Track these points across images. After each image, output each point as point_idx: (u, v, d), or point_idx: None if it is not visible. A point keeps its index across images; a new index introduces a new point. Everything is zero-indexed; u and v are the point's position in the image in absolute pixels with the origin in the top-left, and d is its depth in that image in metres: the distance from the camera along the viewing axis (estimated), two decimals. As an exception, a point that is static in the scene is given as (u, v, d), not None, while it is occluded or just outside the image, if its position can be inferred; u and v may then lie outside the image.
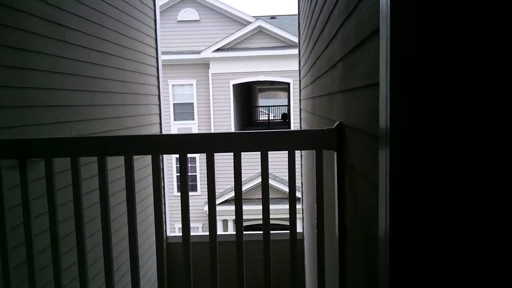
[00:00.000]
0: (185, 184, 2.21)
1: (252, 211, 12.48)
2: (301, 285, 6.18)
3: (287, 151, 2.15)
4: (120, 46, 4.87)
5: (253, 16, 16.91)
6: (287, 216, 2.31)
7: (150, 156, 2.27)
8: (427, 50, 0.90)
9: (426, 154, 0.93)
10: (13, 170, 2.44)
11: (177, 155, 2.24)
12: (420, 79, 0.92)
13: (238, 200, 2.19)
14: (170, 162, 13.62)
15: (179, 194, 2.40)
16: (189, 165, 16.13)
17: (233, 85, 16.44)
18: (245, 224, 14.01)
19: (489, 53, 0.87)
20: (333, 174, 2.17)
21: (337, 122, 2.04)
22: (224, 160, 14.58)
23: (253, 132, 2.19)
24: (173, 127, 16.30)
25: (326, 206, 2.36)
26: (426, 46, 0.90)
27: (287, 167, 2.21)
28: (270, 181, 14.10)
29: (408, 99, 0.95)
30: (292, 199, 2.19)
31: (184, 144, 2.23)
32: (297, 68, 7.14)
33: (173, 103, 16.51)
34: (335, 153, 2.08)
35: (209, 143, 2.21)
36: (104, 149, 2.26)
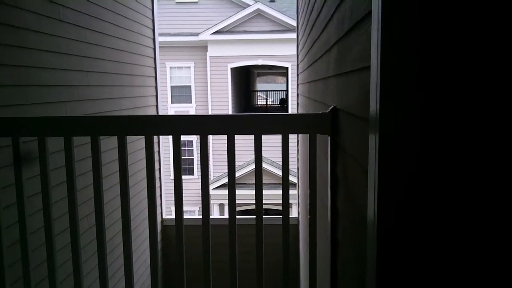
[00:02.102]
0: (179, 166, 2.21)
1: (249, 196, 12.51)
2: (294, 268, 6.24)
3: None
4: (116, 26, 4.82)
5: (252, -1, 16.72)
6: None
7: (144, 139, 2.26)
8: (419, 33, 0.89)
9: (415, 140, 0.93)
10: (5, 150, 2.43)
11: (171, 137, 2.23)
12: (411, 62, 0.91)
13: (231, 182, 2.19)
14: (167, 145, 13.60)
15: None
16: (186, 148, 16.12)
17: (231, 68, 16.35)
18: (242, 208, 14.10)
19: (484, 38, 0.86)
20: (327, 159, 2.16)
21: (331, 106, 2.04)
22: (221, 145, 14.58)
23: (247, 114, 2.19)
24: (170, 109, 16.25)
25: (320, 191, 2.36)
26: (418, 29, 0.89)
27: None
28: (267, 166, 14.13)
29: (398, 83, 0.94)
30: (285, 183, 2.19)
31: (177, 125, 2.22)
32: (295, 52, 7.09)
33: (171, 86, 16.43)
34: (329, 138, 2.07)
35: (203, 125, 2.20)
36: (97, 129, 2.25)
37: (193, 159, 16.25)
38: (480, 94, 0.87)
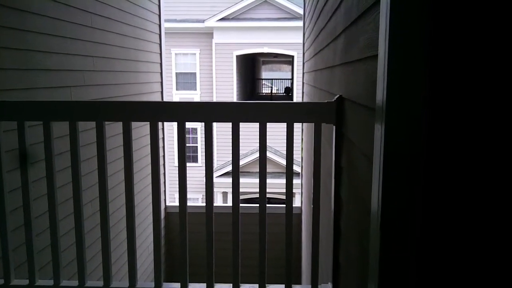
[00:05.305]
0: (183, 153, 2.21)
1: (253, 184, 12.50)
2: (296, 257, 6.26)
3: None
4: (122, 11, 4.80)
5: (259, -14, 16.57)
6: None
7: (149, 126, 2.25)
8: (428, 22, 0.88)
9: (422, 130, 0.92)
10: (11, 134, 2.43)
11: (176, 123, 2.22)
12: (420, 52, 0.90)
13: (235, 170, 2.19)
14: (171, 132, 13.62)
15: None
16: (190, 136, 16.13)
17: (237, 56, 16.26)
18: (245, 197, 14.11)
19: (493, 25, 0.85)
20: (332, 148, 2.16)
21: (337, 96, 2.02)
22: (225, 133, 14.57)
23: (252, 102, 2.18)
24: (175, 96, 16.21)
25: (323, 181, 2.36)
26: (427, 18, 0.88)
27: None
28: (271, 155, 14.11)
29: (406, 72, 0.93)
30: (289, 171, 2.18)
31: (182, 112, 2.22)
32: (301, 41, 7.04)
33: (176, 72, 16.38)
34: (334, 127, 2.06)
35: (208, 112, 2.20)
36: (102, 114, 2.25)
37: (197, 146, 16.26)
38: (490, 88, 0.85)
